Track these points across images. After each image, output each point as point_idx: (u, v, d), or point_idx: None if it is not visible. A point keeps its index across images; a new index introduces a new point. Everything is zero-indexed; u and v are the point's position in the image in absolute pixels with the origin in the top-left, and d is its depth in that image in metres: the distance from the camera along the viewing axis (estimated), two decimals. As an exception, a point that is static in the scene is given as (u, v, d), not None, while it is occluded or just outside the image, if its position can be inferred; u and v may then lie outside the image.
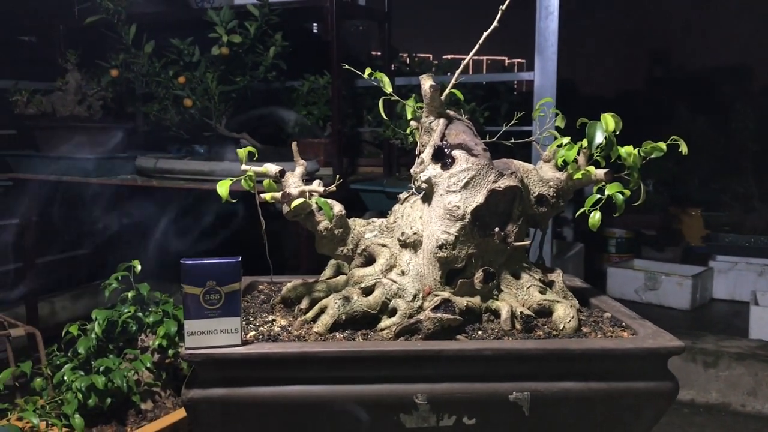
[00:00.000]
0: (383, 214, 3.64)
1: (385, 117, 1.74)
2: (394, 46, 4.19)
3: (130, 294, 2.23)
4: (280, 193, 1.44)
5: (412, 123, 1.70)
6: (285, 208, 1.48)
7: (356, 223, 1.57)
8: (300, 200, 1.41)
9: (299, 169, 1.53)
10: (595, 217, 1.44)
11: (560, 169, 1.63)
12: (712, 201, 5.40)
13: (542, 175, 1.61)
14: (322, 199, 1.42)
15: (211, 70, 3.36)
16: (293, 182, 1.49)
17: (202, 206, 3.82)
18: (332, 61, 3.38)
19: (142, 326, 2.22)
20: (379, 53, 4.07)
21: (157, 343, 2.16)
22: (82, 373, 2.07)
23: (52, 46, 3.92)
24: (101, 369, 2.05)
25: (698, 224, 5.43)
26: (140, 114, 3.87)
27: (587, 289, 1.76)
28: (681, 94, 6.77)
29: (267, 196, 1.44)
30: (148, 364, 2.15)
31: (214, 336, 1.29)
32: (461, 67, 1.64)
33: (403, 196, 1.66)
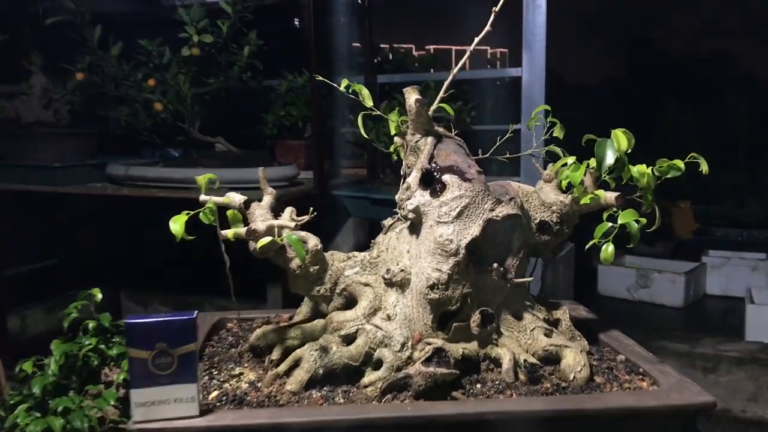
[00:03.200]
0: (367, 220, 3.42)
1: (366, 136, 1.52)
2: (375, 41, 3.96)
3: (90, 324, 2.00)
4: (245, 229, 1.22)
5: (396, 140, 1.49)
6: (251, 245, 1.26)
7: (335, 258, 1.35)
8: (267, 239, 1.19)
9: (267, 199, 1.31)
10: (608, 250, 1.23)
11: (564, 191, 1.42)
12: (702, 193, 5.21)
13: (544, 198, 1.39)
14: (293, 236, 1.19)
15: (183, 72, 3.12)
16: (260, 214, 1.27)
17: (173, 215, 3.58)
18: (310, 58, 3.15)
19: (106, 359, 1.99)
20: (360, 46, 3.83)
21: (122, 377, 1.93)
22: (39, 415, 1.85)
23: (16, 48, 3.66)
24: (59, 410, 1.83)
25: (688, 217, 5.24)
26: (113, 118, 3.62)
27: (594, 322, 1.56)
28: (668, 84, 6.57)
29: (229, 233, 1.22)
30: (113, 401, 1.92)
31: (166, 406, 1.08)
32: (450, 77, 1.42)
33: (387, 222, 1.44)
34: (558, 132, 1.59)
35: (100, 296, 2.00)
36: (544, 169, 1.47)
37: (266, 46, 3.19)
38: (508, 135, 1.62)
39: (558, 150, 1.46)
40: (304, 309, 1.44)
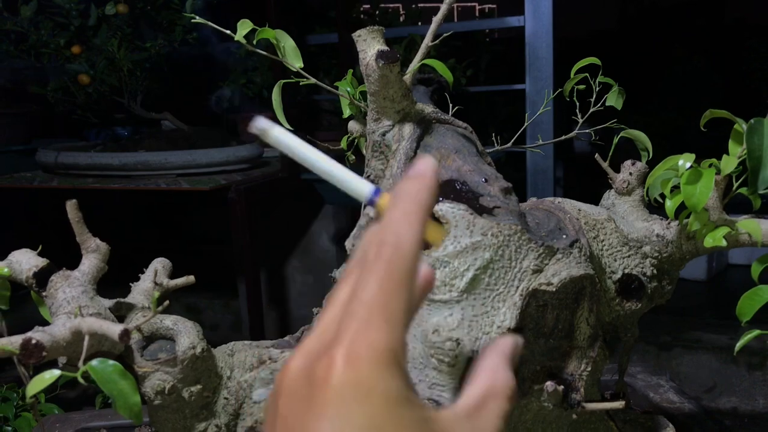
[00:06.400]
0: (346, 208, 2.74)
1: (284, 120, 0.82)
2: (351, -7, 3.23)
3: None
4: (19, 339, 0.53)
5: (352, 127, 0.80)
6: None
7: (234, 362, 0.67)
8: (50, 375, 0.50)
9: (88, 264, 0.62)
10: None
11: (654, 204, 0.74)
12: (717, 149, 4.46)
13: (626, 230, 0.70)
14: (109, 365, 0.50)
15: (116, 36, 2.41)
16: (66, 299, 0.58)
17: (112, 210, 2.91)
18: (270, 13, 2.45)
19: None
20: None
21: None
22: None
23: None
24: None
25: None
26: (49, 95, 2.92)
27: (696, 417, 0.89)
28: (675, 29, 5.80)
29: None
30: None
31: None
32: (439, 13, 0.73)
33: (338, 275, 0.76)
34: (614, 99, 0.90)
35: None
36: (611, 166, 0.78)
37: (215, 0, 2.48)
38: (544, 108, 0.93)
39: (642, 136, 0.77)
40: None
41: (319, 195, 2.44)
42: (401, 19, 3.81)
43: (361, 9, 3.88)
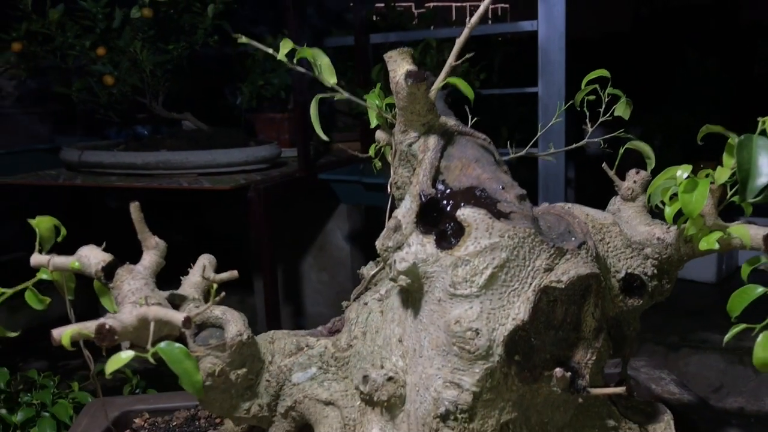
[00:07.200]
0: (360, 208, 2.82)
1: (322, 134, 0.90)
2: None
3: (-18, 384, 1.42)
4: (95, 324, 0.61)
5: (379, 136, 0.88)
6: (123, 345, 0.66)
7: (275, 348, 0.75)
8: (126, 355, 0.58)
9: (148, 259, 0.70)
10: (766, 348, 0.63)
11: (656, 211, 0.81)
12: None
13: (629, 233, 0.78)
14: (175, 347, 0.59)
15: (139, 38, 2.49)
16: (131, 290, 0.67)
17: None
18: (289, 16, 2.52)
19: (8, 428, 1.42)
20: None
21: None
22: None
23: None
24: None
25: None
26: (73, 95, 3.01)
27: (695, 408, 0.96)
28: (686, 30, 5.83)
29: (64, 336, 0.61)
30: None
31: None
32: (466, 29, 0.80)
33: (366, 271, 0.84)
34: (623, 110, 0.98)
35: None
36: (621, 170, 0.86)
37: (236, 4, 2.56)
38: (556, 119, 1.01)
39: (646, 147, 0.84)
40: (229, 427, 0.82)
41: (335, 194, 2.52)
42: (414, 22, 3.88)
43: (375, 6, 3.93)
